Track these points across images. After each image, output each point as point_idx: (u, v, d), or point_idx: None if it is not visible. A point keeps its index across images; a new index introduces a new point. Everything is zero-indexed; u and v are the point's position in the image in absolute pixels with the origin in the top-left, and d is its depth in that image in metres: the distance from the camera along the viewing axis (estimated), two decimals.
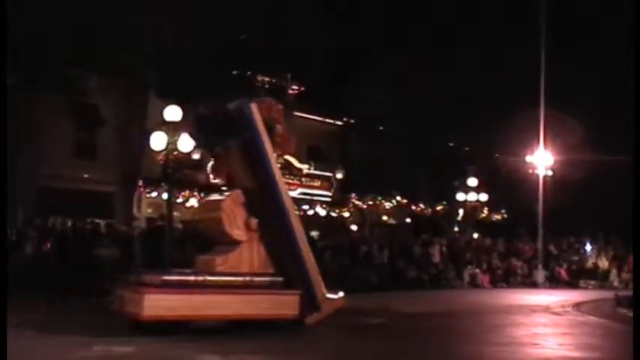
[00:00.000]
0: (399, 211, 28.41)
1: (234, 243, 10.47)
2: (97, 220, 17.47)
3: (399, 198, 27.86)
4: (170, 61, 18.12)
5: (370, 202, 27.27)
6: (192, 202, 23.33)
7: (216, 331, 9.94)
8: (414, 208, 28.55)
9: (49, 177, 20.64)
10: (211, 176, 24.25)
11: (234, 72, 22.37)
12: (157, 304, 9.53)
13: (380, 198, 27.45)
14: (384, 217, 28.44)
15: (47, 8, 16.16)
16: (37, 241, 15.98)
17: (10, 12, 15.26)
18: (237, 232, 10.45)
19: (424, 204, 28.80)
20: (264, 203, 10.61)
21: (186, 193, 22.76)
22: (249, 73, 23.42)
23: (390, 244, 22.64)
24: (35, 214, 18.39)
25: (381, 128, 27.27)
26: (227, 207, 10.48)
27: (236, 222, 10.45)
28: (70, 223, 17.17)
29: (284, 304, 10.34)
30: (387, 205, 27.87)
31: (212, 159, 12.04)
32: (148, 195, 22.40)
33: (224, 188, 11.34)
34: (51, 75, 17.49)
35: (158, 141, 14.49)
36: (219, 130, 11.08)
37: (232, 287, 10.12)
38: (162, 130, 14.61)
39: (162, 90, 18.53)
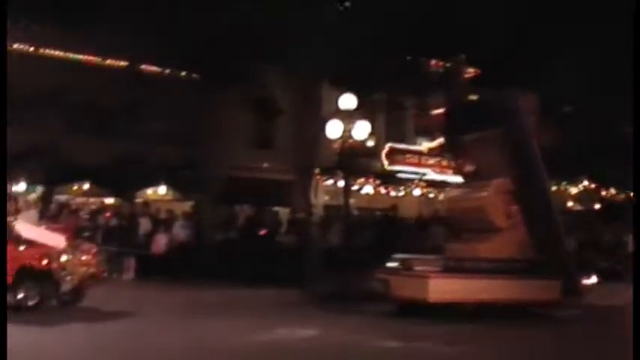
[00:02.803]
0: (586, 196, 26.53)
1: (496, 230, 10.74)
2: (276, 208, 18.07)
3: (586, 183, 25.99)
4: (344, 50, 18.21)
5: (554, 188, 25.66)
6: (368, 189, 23.45)
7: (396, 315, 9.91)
8: (604, 193, 26.49)
9: (232, 167, 21.73)
10: (385, 163, 24.37)
11: (408, 58, 22.02)
12: (441, 288, 10.09)
13: (565, 183, 25.80)
14: (570, 203, 26.68)
15: (226, 5, 16.91)
16: (224, 228, 16.86)
17: (191, 9, 16.21)
18: (500, 220, 10.87)
19: (616, 189, 26.59)
20: (525, 191, 10.93)
21: (362, 180, 22.90)
22: (422, 58, 22.95)
23: (577, 232, 21.18)
24: (220, 202, 19.45)
25: (567, 109, 25.50)
26: (491, 196, 10.94)
27: (498, 210, 10.86)
28: (252, 212, 17.94)
29: (547, 289, 10.58)
30: (573, 190, 26.13)
31: (459, 147, 12.39)
32: (324, 183, 22.84)
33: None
34: (231, 70, 18.34)
35: (333, 129, 14.64)
36: (476, 118, 11.42)
37: (501, 272, 10.49)
38: (337, 118, 14.74)
39: (337, 79, 18.69)
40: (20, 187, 19.17)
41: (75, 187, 20.83)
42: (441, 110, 12.82)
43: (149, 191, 21.68)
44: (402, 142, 25.10)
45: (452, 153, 13.65)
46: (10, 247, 9.80)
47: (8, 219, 10.24)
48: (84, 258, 10.30)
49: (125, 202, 18.98)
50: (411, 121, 25.06)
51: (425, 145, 25.25)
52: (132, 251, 15.75)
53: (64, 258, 9.86)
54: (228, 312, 10.48)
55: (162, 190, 21.86)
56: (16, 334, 8.15)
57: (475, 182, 11.63)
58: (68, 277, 9.87)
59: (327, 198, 23.70)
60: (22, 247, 9.91)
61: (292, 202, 19.66)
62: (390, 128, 24.90)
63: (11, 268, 9.64)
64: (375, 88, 20.51)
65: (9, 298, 9.66)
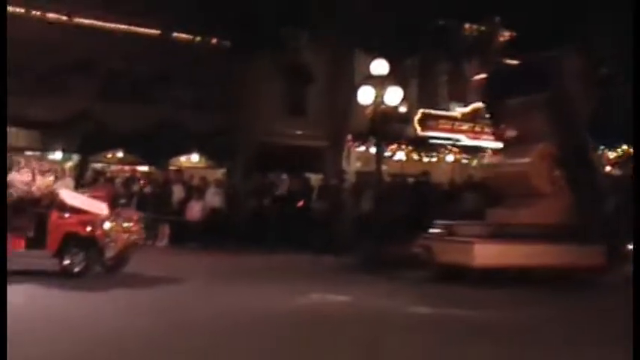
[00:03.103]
0: (625, 161, 25.98)
1: (539, 195, 10.72)
2: (309, 175, 18.06)
3: (625, 147, 25.44)
4: (376, 15, 17.94)
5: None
6: (400, 155, 23.29)
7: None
8: None
9: (265, 134, 21.73)
10: (418, 128, 24.13)
11: (441, 22, 21.63)
12: (486, 253, 10.10)
13: (602, 147, 25.28)
14: (608, 168, 26.17)
15: None
16: (257, 195, 16.89)
17: None
18: (543, 185, 10.83)
19: None
20: (568, 156, 10.90)
21: (394, 146, 22.74)
22: (456, 22, 22.51)
23: (619, 197, 20.76)
24: (253, 169, 19.53)
25: (604, 71, 24.83)
26: (534, 161, 10.96)
27: (542, 175, 10.86)
28: (285, 178, 17.93)
29: (592, 254, 10.49)
30: (611, 155, 25.62)
31: (501, 112, 12.26)
32: (356, 149, 22.73)
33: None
34: (262, 36, 18.24)
35: (365, 95, 14.50)
36: (518, 83, 11.30)
37: (544, 237, 10.42)
38: (369, 84, 14.58)
39: (369, 44, 18.46)
40: (57, 155, 19.50)
41: (109, 155, 21.09)
42: (481, 75, 12.62)
43: (182, 159, 21.85)
44: (434, 108, 24.80)
45: (493, 119, 13.44)
46: (55, 214, 9.94)
47: (52, 187, 10.35)
48: (126, 225, 10.39)
49: (158, 170, 19.17)
50: (444, 86, 24.71)
51: (458, 111, 24.92)
52: (166, 218, 15.92)
53: (107, 225, 9.96)
54: (262, 278, 10.56)
55: (195, 157, 22.01)
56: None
57: (517, 148, 11.47)
58: (112, 244, 9.98)
59: (359, 164, 23.60)
60: (66, 215, 10.02)
61: (324, 168, 19.63)
62: (422, 94, 24.58)
63: (57, 235, 9.80)
64: (407, 54, 20.23)
65: (56, 264, 9.84)
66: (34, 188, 10.19)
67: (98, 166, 19.58)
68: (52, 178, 10.59)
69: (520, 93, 11.28)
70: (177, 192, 16.56)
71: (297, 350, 6.04)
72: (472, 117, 24.54)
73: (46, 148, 20.00)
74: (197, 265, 11.97)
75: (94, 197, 10.91)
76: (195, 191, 16.58)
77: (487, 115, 14.61)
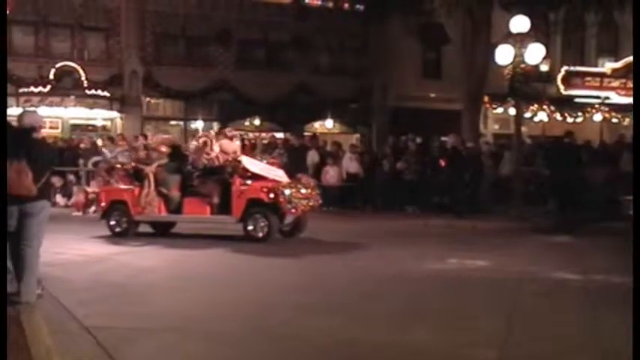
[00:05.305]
0: None
1: None
2: (444, 138, 17.61)
3: None
4: None
5: None
6: (542, 115, 22.20)
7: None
8: None
9: (399, 98, 21.46)
10: (561, 87, 22.79)
11: None
12: None
13: None
14: None
15: None
16: (392, 158, 16.71)
17: None
18: None
19: None
20: None
21: (535, 107, 21.72)
22: None
23: None
24: (388, 132, 19.37)
25: None
26: None
27: None
28: (419, 141, 17.60)
29: None
30: None
31: None
32: (494, 111, 21.94)
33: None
34: None
35: (504, 55, 13.84)
36: None
37: None
38: (508, 43, 13.90)
39: (507, 0, 17.53)
40: (198, 124, 20.40)
41: (247, 123, 21.74)
42: None
43: (317, 124, 22.10)
44: (580, 65, 23.32)
45: None
46: (238, 181, 10.12)
47: (238, 153, 10.48)
48: (304, 191, 10.40)
49: (294, 136, 19.50)
50: (593, 40, 23.08)
51: (608, 66, 23.23)
52: None
53: (287, 192, 10.01)
54: (403, 242, 10.43)
55: (329, 123, 22.18)
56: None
57: None
58: (293, 210, 10.03)
59: (496, 127, 22.80)
60: (248, 181, 10.15)
61: (461, 131, 19.09)
62: (566, 50, 23.19)
63: (240, 202, 9.97)
64: (550, 7, 19.02)
65: (240, 228, 10.05)
66: (213, 155, 10.42)
67: (236, 133, 20.20)
68: (238, 143, 10.78)
69: None
70: (313, 157, 16.76)
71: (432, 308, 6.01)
72: (624, 72, 22.80)
73: (188, 117, 20.97)
74: (349, 229, 12.01)
75: (271, 164, 10.99)
76: (329, 157, 16.70)
77: None
